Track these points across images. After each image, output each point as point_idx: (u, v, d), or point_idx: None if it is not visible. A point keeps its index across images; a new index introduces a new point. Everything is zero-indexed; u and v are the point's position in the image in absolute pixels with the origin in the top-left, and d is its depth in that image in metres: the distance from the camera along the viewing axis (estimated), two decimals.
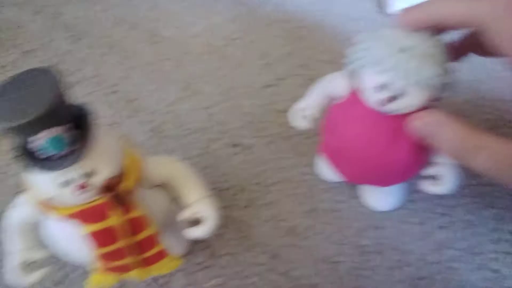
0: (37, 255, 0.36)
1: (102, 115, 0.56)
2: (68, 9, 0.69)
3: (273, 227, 0.48)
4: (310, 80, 0.55)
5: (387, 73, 0.34)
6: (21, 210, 0.34)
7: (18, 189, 0.50)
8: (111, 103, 0.58)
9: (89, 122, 0.29)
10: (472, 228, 0.47)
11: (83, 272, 0.44)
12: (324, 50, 0.63)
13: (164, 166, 0.37)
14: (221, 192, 0.50)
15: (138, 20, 0.68)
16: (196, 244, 0.46)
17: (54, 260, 0.44)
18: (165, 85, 0.60)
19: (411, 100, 0.35)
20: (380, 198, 0.47)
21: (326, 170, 0.49)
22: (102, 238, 0.32)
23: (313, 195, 0.50)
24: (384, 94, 0.35)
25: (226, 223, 0.48)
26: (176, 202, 0.39)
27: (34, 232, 0.36)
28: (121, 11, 0.69)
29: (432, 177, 0.41)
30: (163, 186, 0.38)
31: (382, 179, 0.43)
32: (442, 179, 0.40)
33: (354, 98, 0.39)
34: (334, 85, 0.41)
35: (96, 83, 0.60)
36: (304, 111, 0.44)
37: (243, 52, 0.64)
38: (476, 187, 0.49)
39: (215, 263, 0.45)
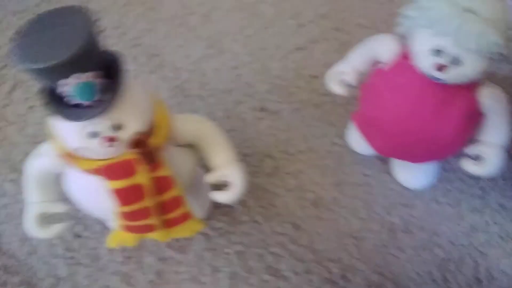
0: (56, 208, 0.35)
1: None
2: None
3: (298, 197, 0.46)
4: (344, 45, 0.52)
5: (446, 36, 0.31)
6: (42, 160, 0.33)
7: (38, 139, 0.48)
8: (133, 56, 0.55)
9: (121, 72, 0.27)
10: (505, 213, 0.45)
11: (103, 227, 0.43)
12: (363, 13, 0.59)
13: (194, 125, 0.35)
14: (245, 157, 0.48)
15: None
16: (217, 209, 0.45)
17: (74, 212, 0.43)
18: (191, 41, 0.57)
19: (468, 68, 0.32)
20: (412, 175, 0.45)
21: (358, 142, 0.46)
22: (127, 195, 0.30)
23: (341, 167, 0.48)
24: (440, 59, 0.32)
25: (249, 190, 0.46)
26: (201, 164, 0.37)
27: (55, 184, 0.34)
28: None
29: (474, 157, 0.38)
30: (190, 146, 0.36)
31: (421, 155, 0.40)
32: (485, 160, 0.37)
33: (401, 63, 0.36)
34: (382, 47, 0.37)
35: (118, 34, 0.57)
36: (343, 75, 0.41)
37: (275, 10, 0.60)
38: None
39: (236, 230, 0.44)
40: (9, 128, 0.50)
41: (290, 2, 0.60)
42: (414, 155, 0.41)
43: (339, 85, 0.41)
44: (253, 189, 0.46)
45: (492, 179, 0.46)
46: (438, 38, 0.31)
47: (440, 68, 0.32)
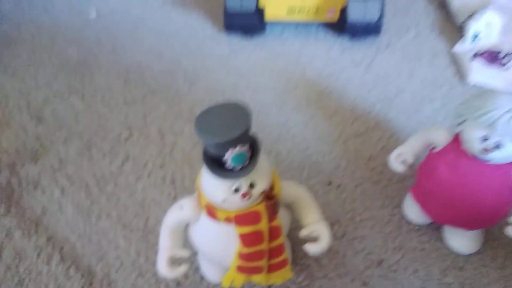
0: (183, 253, 0.44)
1: None
2: (186, 57, 0.82)
3: (364, 258, 0.54)
4: (396, 133, 0.63)
5: (492, 127, 0.41)
6: (181, 213, 0.43)
7: (145, 202, 0.59)
8: None
9: (258, 145, 0.38)
10: None
11: (201, 276, 0.52)
12: (406, 109, 0.71)
13: (294, 188, 0.45)
14: None
15: (245, 72, 0.79)
16: (296, 266, 0.53)
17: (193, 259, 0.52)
18: (267, 127, 0.70)
19: (509, 152, 0.42)
20: (463, 241, 0.53)
21: (414, 212, 0.55)
22: (251, 239, 0.40)
23: (400, 233, 0.56)
24: (486, 145, 0.42)
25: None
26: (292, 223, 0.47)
27: (182, 232, 0.45)
28: (232, 64, 0.81)
29: None
30: (287, 208, 0.46)
31: (472, 223, 0.49)
32: None
33: (454, 147, 0.46)
34: (436, 135, 0.48)
35: None
36: (403, 156, 0.52)
37: (336, 104, 0.73)
38: None
39: (313, 285, 0.52)
40: (121, 193, 0.62)
41: (347, 98, 0.74)
42: (465, 223, 0.49)
43: (399, 164, 0.52)
44: (326, 250, 0.55)
45: None
46: (484, 130, 0.42)
47: (486, 151, 0.42)
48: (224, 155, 0.35)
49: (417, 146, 0.51)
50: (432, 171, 0.49)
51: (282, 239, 0.42)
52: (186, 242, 0.45)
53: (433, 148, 0.49)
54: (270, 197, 0.39)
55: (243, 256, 0.41)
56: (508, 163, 0.44)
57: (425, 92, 0.74)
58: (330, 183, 0.62)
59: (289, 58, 0.82)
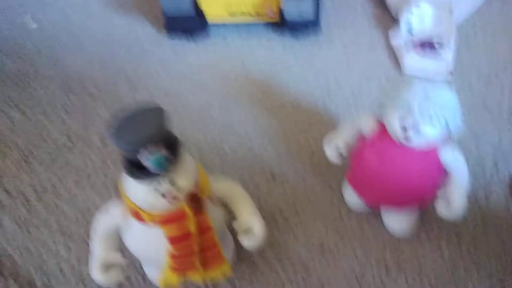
0: (116, 259, 0.43)
1: None
2: (127, 62, 0.82)
3: (306, 246, 0.55)
4: (339, 125, 0.65)
5: (410, 115, 0.43)
6: (107, 217, 0.43)
7: (86, 207, 0.59)
8: None
9: (179, 146, 0.39)
10: (477, 244, 0.54)
11: (143, 276, 0.52)
12: (347, 102, 0.73)
13: (224, 184, 0.46)
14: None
15: (189, 74, 0.80)
16: (240, 261, 0.54)
17: (130, 263, 0.52)
18: (211, 126, 0.70)
19: (428, 137, 0.44)
20: (400, 224, 0.55)
21: (353, 198, 0.57)
22: (179, 238, 0.40)
23: (341, 219, 0.58)
24: (407, 131, 0.44)
25: (266, 243, 0.55)
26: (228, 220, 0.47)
27: (115, 237, 0.44)
28: (175, 67, 0.81)
29: (444, 201, 0.49)
30: (220, 204, 0.47)
31: (403, 202, 0.51)
32: (451, 205, 0.48)
33: (380, 135, 0.48)
34: (363, 123, 0.50)
35: None
36: (337, 147, 0.53)
37: (279, 102, 0.74)
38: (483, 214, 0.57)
39: (257, 278, 0.52)
40: (60, 201, 0.61)
41: (290, 95, 0.75)
42: (397, 203, 0.51)
43: (333, 153, 0.53)
44: (270, 242, 0.55)
45: (463, 217, 0.55)
46: (403, 118, 0.44)
47: (407, 138, 0.44)
48: (137, 157, 0.36)
49: (347, 135, 0.53)
50: (362, 158, 0.50)
51: (213, 236, 0.42)
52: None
53: (362, 135, 0.51)
54: (194, 196, 0.39)
55: (173, 256, 0.41)
56: (432, 146, 0.46)
57: (364, 85, 0.76)
58: (273, 177, 0.63)
59: (233, 59, 0.82)
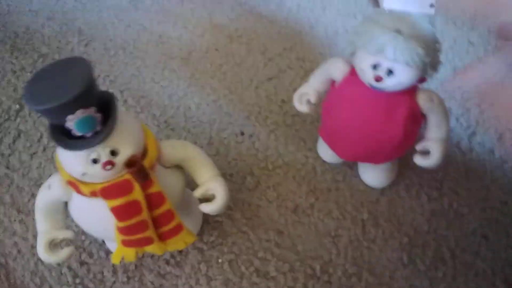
0: (63, 234, 0.40)
1: None
2: (80, 15, 0.74)
3: (278, 206, 0.52)
4: (308, 73, 0.59)
5: (380, 52, 0.38)
6: (49, 192, 0.38)
7: (41, 181, 0.54)
8: (124, 100, 0.62)
9: (114, 106, 0.33)
10: (460, 199, 0.51)
11: (106, 252, 0.49)
12: (321, 44, 0.67)
13: (179, 148, 0.41)
14: (230, 177, 0.54)
15: (147, 23, 0.72)
16: (208, 224, 0.50)
17: (80, 241, 0.49)
18: (174, 81, 0.64)
19: (401, 78, 0.39)
20: (375, 175, 0.51)
21: (326, 152, 0.53)
22: (126, 211, 0.36)
23: (314, 175, 0.54)
24: (377, 72, 0.39)
25: (235, 205, 0.52)
26: (190, 186, 0.43)
27: (62, 213, 0.40)
28: (131, 16, 0.73)
29: (423, 152, 0.44)
30: (178, 168, 0.42)
31: (378, 156, 0.47)
32: (431, 153, 0.44)
33: (350, 80, 0.43)
34: (333, 68, 0.45)
35: (110, 81, 0.65)
36: (306, 96, 0.48)
37: (246, 48, 0.68)
38: (466, 162, 0.53)
39: (226, 241, 0.49)
40: (14, 174, 0.56)
41: (259, 41, 0.69)
42: (372, 157, 0.47)
43: (304, 104, 0.48)
44: (238, 204, 0.52)
45: (445, 170, 0.52)
46: (373, 56, 0.38)
47: (378, 79, 0.39)
48: (64, 123, 0.30)
49: (318, 83, 0.47)
50: (333, 107, 0.45)
51: (168, 205, 0.38)
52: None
53: (334, 83, 0.46)
54: (134, 162, 0.35)
55: (122, 230, 0.37)
56: (407, 91, 0.41)
57: (339, 24, 0.70)
58: (242, 133, 0.58)
59: (194, 2, 0.75)
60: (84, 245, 0.49)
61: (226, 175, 0.54)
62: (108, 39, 0.70)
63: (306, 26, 0.70)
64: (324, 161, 0.55)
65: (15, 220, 0.52)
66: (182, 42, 0.69)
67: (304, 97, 0.48)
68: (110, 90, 0.63)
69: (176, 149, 0.41)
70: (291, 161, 0.55)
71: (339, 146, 0.48)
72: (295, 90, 0.58)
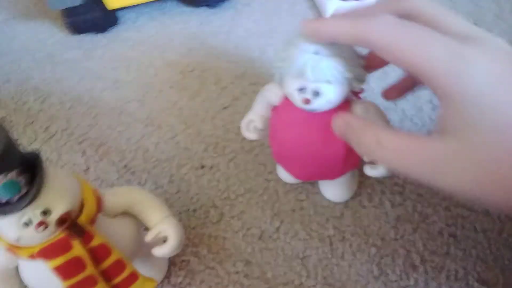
0: None
1: (77, 163, 0.61)
2: (36, 73, 0.75)
3: (244, 235, 0.51)
4: None
5: (302, 75, 0.38)
6: None
7: None
8: (83, 150, 0.62)
9: (39, 164, 0.33)
10: (423, 200, 0.50)
11: None
12: (272, 67, 0.67)
13: (122, 195, 0.41)
14: (194, 212, 0.54)
15: (101, 71, 0.73)
16: (175, 266, 0.49)
17: None
18: (131, 124, 0.64)
19: (328, 96, 0.39)
20: (336, 190, 0.51)
21: (286, 173, 0.52)
22: (68, 270, 0.35)
23: (277, 198, 0.53)
24: (305, 95, 0.39)
25: (200, 241, 0.51)
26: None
27: (14, 277, 0.39)
28: (85, 66, 0.74)
29: (371, 162, 0.44)
30: (130, 215, 0.42)
31: (330, 173, 0.46)
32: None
33: (286, 103, 0.43)
34: (270, 94, 0.45)
35: (68, 134, 0.64)
36: (253, 123, 0.48)
37: (200, 81, 0.68)
38: None
39: (194, 280, 0.48)
40: None
41: (211, 72, 0.69)
42: (325, 174, 0.47)
43: (252, 131, 0.48)
44: (204, 239, 0.51)
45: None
46: (297, 80, 0.39)
47: (306, 102, 0.39)
48: None
49: (261, 109, 0.47)
50: (276, 131, 0.45)
51: (116, 255, 0.38)
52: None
53: (274, 107, 0.46)
54: (65, 220, 0.34)
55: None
56: (341, 106, 0.41)
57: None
58: (202, 166, 0.58)
59: (146, 44, 0.76)
60: None
61: (189, 211, 0.54)
62: (63, 93, 0.70)
63: (256, 52, 0.71)
64: (285, 183, 0.54)
65: None
66: (136, 84, 0.70)
67: (251, 124, 0.48)
68: (69, 143, 0.64)
69: (119, 197, 0.40)
70: (253, 187, 0.55)
71: (291, 167, 0.47)
72: None
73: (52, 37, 0.80)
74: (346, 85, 0.39)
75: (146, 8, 0.80)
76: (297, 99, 0.40)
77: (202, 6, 0.78)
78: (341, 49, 0.38)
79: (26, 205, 0.32)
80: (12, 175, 0.31)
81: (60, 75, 0.73)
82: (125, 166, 0.60)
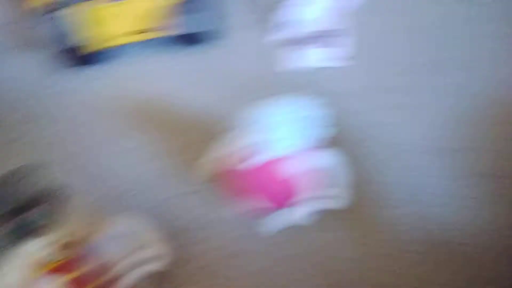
0: None
1: None
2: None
3: None
4: None
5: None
6: None
7: None
8: None
9: (56, 199, 0.39)
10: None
11: None
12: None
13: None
14: None
15: (85, 102, 0.76)
16: None
17: None
18: None
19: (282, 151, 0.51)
20: (295, 215, 0.58)
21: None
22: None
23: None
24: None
25: None
26: None
27: None
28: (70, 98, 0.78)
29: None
30: None
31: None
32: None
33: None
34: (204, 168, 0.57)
35: None
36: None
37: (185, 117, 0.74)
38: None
39: None
40: None
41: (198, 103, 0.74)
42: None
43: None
44: None
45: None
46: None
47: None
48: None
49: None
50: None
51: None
52: None
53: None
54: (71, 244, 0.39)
55: None
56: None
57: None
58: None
59: (132, 80, 0.80)
60: None
61: None
62: (50, 128, 0.74)
63: (228, 94, 0.76)
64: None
65: None
66: (121, 118, 0.74)
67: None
68: None
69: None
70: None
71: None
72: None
73: (39, 71, 0.82)
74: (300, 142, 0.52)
75: (134, 45, 0.82)
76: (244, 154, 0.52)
77: (188, 45, 0.83)
78: (295, 114, 0.51)
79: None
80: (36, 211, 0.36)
81: (47, 110, 0.76)
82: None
